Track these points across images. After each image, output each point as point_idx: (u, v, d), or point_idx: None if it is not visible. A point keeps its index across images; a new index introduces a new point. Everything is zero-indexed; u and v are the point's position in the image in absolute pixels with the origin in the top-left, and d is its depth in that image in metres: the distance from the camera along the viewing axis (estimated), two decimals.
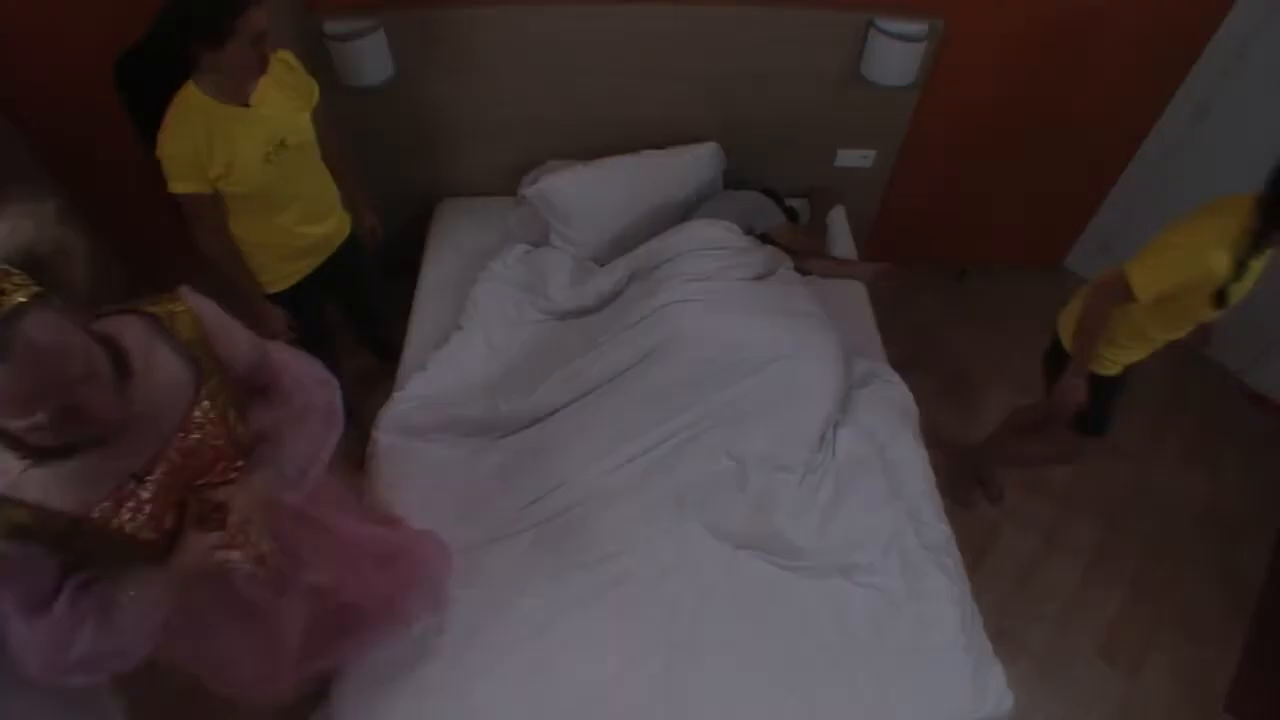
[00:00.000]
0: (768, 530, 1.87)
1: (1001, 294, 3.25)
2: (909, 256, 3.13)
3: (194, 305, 1.16)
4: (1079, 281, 3.28)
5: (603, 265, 2.41)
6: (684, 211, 2.48)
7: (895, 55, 2.31)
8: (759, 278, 2.19)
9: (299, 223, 1.95)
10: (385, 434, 2.05)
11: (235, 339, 1.22)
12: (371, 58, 2.27)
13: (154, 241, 2.92)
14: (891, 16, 2.28)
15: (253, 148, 1.73)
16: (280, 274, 2.01)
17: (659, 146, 2.54)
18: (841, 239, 2.66)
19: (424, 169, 2.70)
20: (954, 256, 3.30)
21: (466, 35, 2.31)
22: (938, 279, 3.30)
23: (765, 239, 2.36)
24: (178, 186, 1.69)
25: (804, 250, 2.43)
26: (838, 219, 2.72)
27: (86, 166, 2.67)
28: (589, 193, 2.44)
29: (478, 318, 2.31)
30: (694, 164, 2.51)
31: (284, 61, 1.85)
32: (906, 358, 2.45)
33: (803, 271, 2.38)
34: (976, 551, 2.45)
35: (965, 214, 3.09)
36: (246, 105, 1.73)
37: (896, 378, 2.21)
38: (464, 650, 1.69)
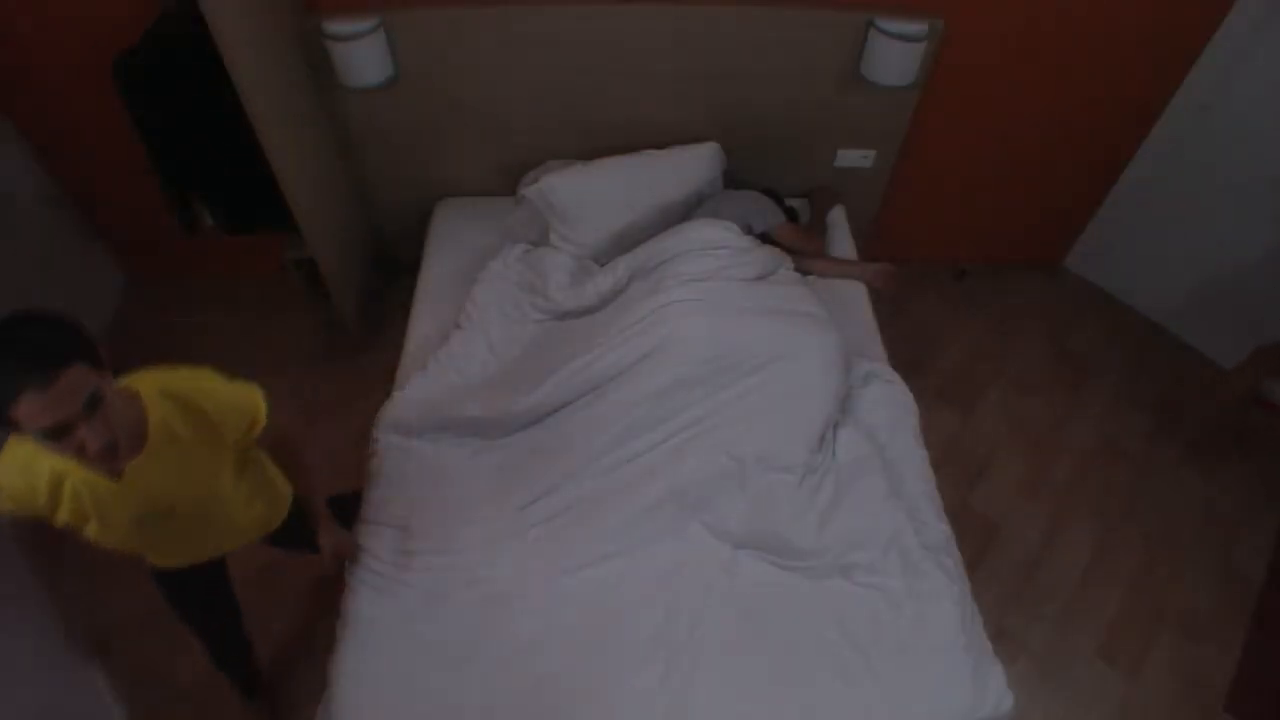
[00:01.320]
0: (768, 530, 1.87)
1: (1001, 294, 3.25)
2: (909, 256, 3.14)
3: None
4: (1079, 281, 3.29)
5: (603, 265, 2.41)
6: (684, 211, 2.48)
7: (895, 55, 2.31)
8: (759, 278, 2.19)
9: (173, 560, 1.58)
10: (385, 434, 2.05)
11: None
12: (371, 58, 2.27)
13: (153, 242, 2.93)
14: (891, 16, 2.28)
15: (115, 518, 1.33)
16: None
17: (659, 146, 2.54)
18: (841, 239, 2.66)
19: (424, 169, 2.70)
20: (954, 256, 3.30)
21: (466, 35, 2.30)
22: (938, 279, 3.30)
23: (765, 239, 2.36)
24: (5, 505, 1.29)
25: (804, 250, 2.43)
26: (838, 219, 2.72)
27: (86, 166, 2.67)
28: (589, 193, 2.44)
29: (478, 317, 2.31)
30: (694, 164, 2.51)
31: (197, 413, 1.31)
32: (906, 358, 2.44)
33: (803, 271, 2.38)
34: (976, 551, 2.45)
35: (965, 214, 3.09)
36: (118, 475, 1.27)
37: (896, 378, 2.21)
38: (464, 652, 1.69)
